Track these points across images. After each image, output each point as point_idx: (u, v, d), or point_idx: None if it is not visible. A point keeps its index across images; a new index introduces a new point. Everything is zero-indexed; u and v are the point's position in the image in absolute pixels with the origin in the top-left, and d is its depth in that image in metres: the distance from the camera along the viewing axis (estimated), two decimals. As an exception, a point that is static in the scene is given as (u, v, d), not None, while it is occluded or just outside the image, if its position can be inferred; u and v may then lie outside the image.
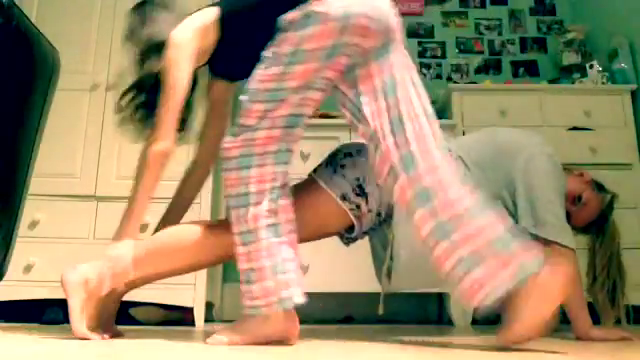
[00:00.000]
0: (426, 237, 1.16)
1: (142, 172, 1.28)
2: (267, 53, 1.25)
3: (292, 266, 1.22)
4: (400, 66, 1.28)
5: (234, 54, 1.39)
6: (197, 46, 1.33)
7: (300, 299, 1.20)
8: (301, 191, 1.42)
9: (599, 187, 1.62)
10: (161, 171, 1.29)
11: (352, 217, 1.40)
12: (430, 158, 1.20)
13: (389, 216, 1.43)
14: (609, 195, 1.61)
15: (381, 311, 1.50)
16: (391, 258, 1.44)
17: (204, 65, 1.42)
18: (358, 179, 1.39)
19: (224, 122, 1.54)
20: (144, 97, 1.38)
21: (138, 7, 1.43)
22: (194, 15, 1.37)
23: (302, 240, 1.44)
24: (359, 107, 1.26)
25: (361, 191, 1.38)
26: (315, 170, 1.47)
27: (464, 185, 1.19)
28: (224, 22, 1.35)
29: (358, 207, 1.39)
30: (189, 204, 1.55)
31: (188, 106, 1.41)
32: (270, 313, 1.19)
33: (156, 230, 1.46)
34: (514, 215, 1.45)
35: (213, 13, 1.36)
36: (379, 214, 1.42)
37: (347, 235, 1.49)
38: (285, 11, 1.25)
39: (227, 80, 1.50)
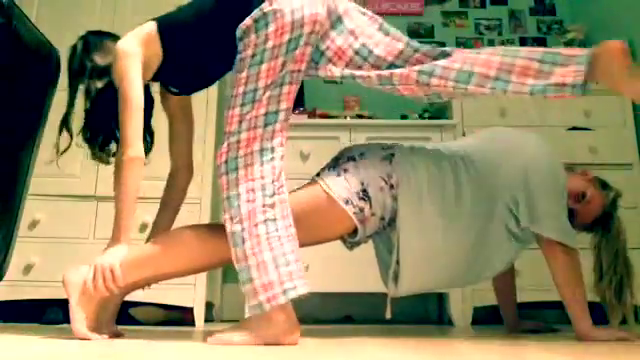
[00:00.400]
0: (490, 92, 1.28)
1: (119, 181, 1.32)
2: (236, 62, 1.30)
3: (293, 258, 1.24)
4: (362, 28, 1.38)
5: (179, 67, 1.42)
6: (143, 53, 1.35)
7: (304, 289, 1.22)
8: (305, 195, 1.41)
9: (603, 185, 1.62)
10: (137, 176, 1.32)
11: (356, 221, 1.39)
12: (445, 59, 1.33)
13: (393, 220, 1.42)
14: (612, 192, 1.61)
15: (389, 315, 1.49)
16: (397, 262, 1.44)
17: (152, 80, 1.45)
18: (362, 183, 1.39)
19: (188, 127, 1.58)
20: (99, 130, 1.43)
21: (81, 39, 1.46)
22: (134, 30, 1.40)
23: (306, 244, 1.44)
24: (354, 78, 1.36)
25: (365, 195, 1.38)
26: (318, 174, 1.47)
27: (482, 53, 1.31)
28: (164, 35, 1.37)
29: (362, 211, 1.39)
30: (177, 209, 1.57)
31: (148, 116, 1.47)
32: (275, 307, 1.20)
33: (150, 237, 1.47)
34: (516, 214, 1.45)
35: (152, 25, 1.39)
36: (383, 218, 1.42)
37: (350, 239, 1.48)
38: (227, 22, 1.30)
39: (177, 94, 1.53)
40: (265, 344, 1.19)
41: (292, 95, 1.33)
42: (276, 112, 1.30)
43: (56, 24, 2.35)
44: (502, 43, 3.22)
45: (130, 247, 1.31)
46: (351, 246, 1.53)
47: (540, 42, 3.22)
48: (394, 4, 3.23)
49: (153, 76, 1.42)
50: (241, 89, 1.28)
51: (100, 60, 1.40)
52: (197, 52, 1.39)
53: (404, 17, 3.22)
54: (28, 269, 2.19)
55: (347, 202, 1.38)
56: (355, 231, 1.43)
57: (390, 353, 1.08)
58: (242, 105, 1.28)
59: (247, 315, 1.23)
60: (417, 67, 1.31)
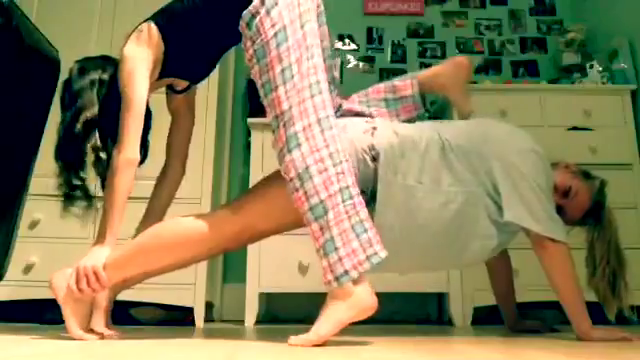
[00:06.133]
0: None
1: (112, 181, 1.32)
2: (253, 49, 1.31)
3: (368, 225, 1.25)
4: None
5: (183, 56, 1.44)
6: (148, 52, 1.37)
7: (384, 253, 1.24)
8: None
9: (586, 175, 1.60)
10: (130, 180, 1.32)
11: None
12: None
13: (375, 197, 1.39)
14: (598, 180, 1.59)
15: None
16: None
17: (160, 78, 1.46)
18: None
19: (190, 123, 1.62)
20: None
21: (77, 63, 1.46)
22: (134, 32, 1.41)
23: (291, 226, 1.43)
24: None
25: None
26: None
27: None
28: (164, 29, 1.39)
29: None
30: (166, 207, 1.58)
31: (146, 129, 1.47)
32: (358, 275, 1.22)
33: (136, 233, 1.47)
34: (498, 203, 1.42)
35: (151, 24, 1.40)
36: (364, 192, 1.40)
37: None
38: (226, 9, 1.34)
39: (183, 90, 1.56)
40: (350, 322, 1.22)
41: (322, 69, 1.34)
42: (317, 82, 1.30)
43: (56, 24, 2.36)
44: (502, 43, 3.23)
45: (116, 248, 1.32)
46: None
47: (540, 42, 3.22)
48: (394, 4, 3.23)
49: (160, 73, 1.44)
50: (277, 69, 1.28)
51: (101, 75, 1.42)
52: (198, 35, 1.41)
53: (404, 17, 3.22)
54: (28, 269, 2.19)
55: None
56: None
57: (390, 353, 1.08)
58: (284, 83, 1.28)
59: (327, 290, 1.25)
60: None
